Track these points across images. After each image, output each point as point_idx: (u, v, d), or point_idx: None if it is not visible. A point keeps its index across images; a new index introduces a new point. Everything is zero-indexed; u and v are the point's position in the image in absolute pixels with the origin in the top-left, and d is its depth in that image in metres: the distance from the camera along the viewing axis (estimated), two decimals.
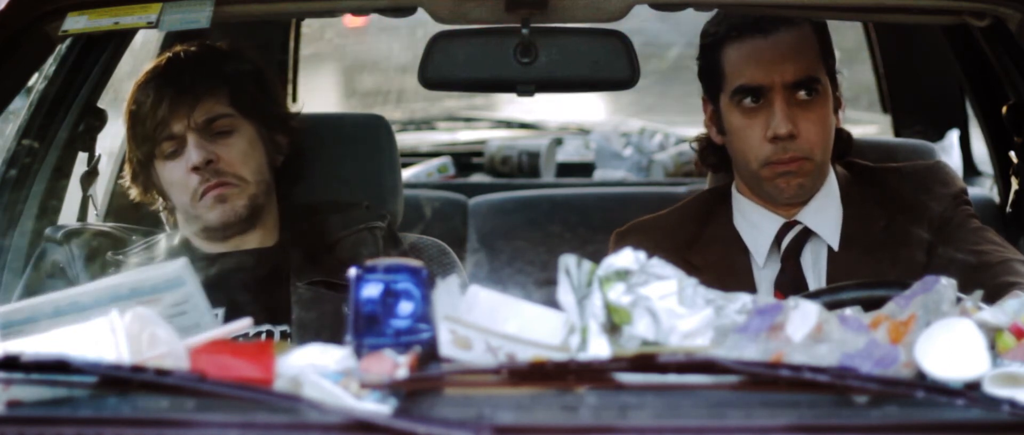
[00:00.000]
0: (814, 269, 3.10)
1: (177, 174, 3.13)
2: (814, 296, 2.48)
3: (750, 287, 3.08)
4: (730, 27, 3.11)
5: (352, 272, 2.10)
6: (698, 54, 3.20)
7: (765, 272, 3.12)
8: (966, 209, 3.16)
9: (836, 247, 3.10)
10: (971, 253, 3.04)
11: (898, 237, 3.11)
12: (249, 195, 3.14)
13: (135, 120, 3.15)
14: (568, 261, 2.09)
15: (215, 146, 3.12)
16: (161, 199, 3.23)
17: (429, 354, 2.05)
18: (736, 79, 3.07)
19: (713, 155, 3.21)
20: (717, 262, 3.09)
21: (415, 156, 5.59)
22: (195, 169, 3.10)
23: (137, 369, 1.97)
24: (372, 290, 2.08)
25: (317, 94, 6.30)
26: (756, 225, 3.13)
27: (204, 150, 3.10)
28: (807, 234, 3.12)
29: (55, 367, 1.96)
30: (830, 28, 3.24)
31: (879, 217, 3.13)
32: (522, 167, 5.51)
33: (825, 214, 3.13)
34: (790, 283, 3.07)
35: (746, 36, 3.08)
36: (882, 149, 3.66)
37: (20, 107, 3.47)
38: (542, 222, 4.30)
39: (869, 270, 3.03)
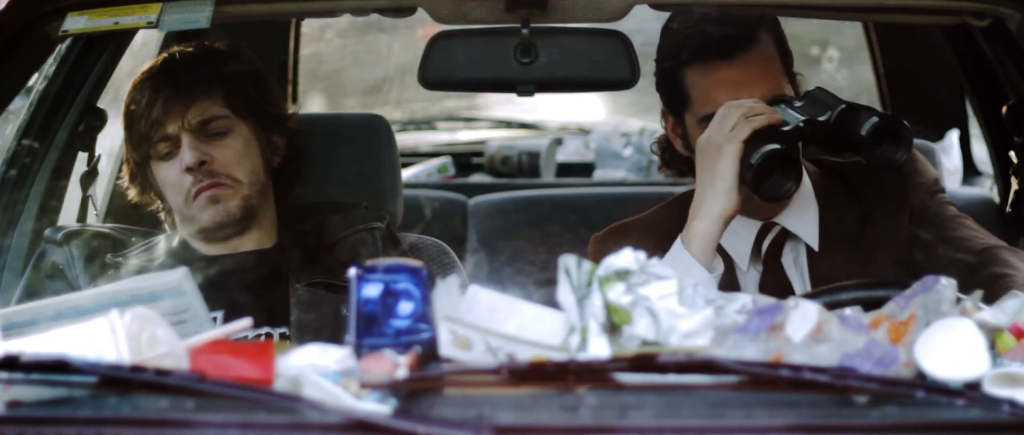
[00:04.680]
0: (796, 269, 3.10)
1: (172, 175, 3.13)
2: (814, 296, 2.48)
3: (733, 289, 3.07)
4: (692, 51, 3.08)
5: (352, 272, 2.10)
6: (657, 70, 3.17)
7: (748, 276, 3.11)
8: (942, 197, 3.16)
9: (816, 246, 3.10)
10: (952, 241, 3.04)
11: (876, 231, 3.11)
12: (243, 196, 3.14)
13: (131, 121, 3.16)
14: (568, 261, 2.09)
15: (209, 147, 3.12)
16: (158, 200, 3.23)
17: (429, 354, 2.05)
18: (705, 106, 3.03)
19: (679, 161, 3.18)
20: None
21: (415, 156, 5.59)
22: (189, 170, 3.10)
23: (137, 369, 1.97)
24: (372, 290, 2.08)
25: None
26: (734, 231, 3.11)
27: (198, 151, 3.10)
28: (785, 235, 3.12)
29: (55, 367, 1.96)
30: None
31: (855, 212, 3.13)
32: (522, 167, 5.51)
33: (802, 214, 3.12)
34: (774, 285, 3.07)
35: (709, 61, 3.05)
36: None
37: (20, 107, 3.47)
38: (542, 222, 4.30)
39: (851, 266, 3.03)
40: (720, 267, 2.95)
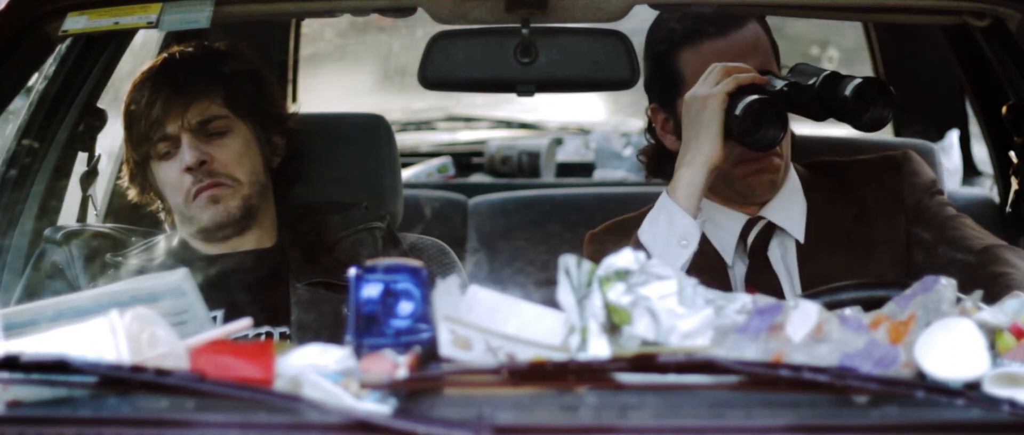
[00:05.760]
0: (783, 263, 3.10)
1: (171, 174, 3.13)
2: (814, 296, 2.48)
3: (726, 286, 3.08)
4: (684, 31, 3.11)
5: (352, 272, 2.10)
6: (647, 63, 3.19)
7: (735, 271, 3.12)
8: (940, 199, 3.17)
9: (801, 240, 3.10)
10: (952, 241, 3.04)
11: (870, 230, 3.11)
12: (243, 196, 3.14)
13: (131, 120, 3.16)
14: (568, 261, 2.09)
15: (209, 147, 3.12)
16: (158, 200, 3.23)
17: (429, 354, 2.05)
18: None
19: (670, 164, 3.18)
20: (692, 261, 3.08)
21: (415, 156, 5.59)
22: (189, 170, 3.10)
23: (137, 369, 1.97)
24: (372, 290, 2.08)
25: None
26: (720, 225, 3.12)
27: (198, 151, 3.10)
28: (772, 229, 3.12)
29: (55, 367, 1.96)
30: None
31: (848, 211, 3.14)
32: (522, 167, 5.51)
33: (788, 208, 3.13)
34: (760, 279, 3.08)
35: (703, 39, 3.09)
36: (880, 148, 3.66)
37: (20, 107, 3.47)
38: (542, 222, 4.29)
39: (840, 263, 3.04)
40: (704, 216, 2.97)
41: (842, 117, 2.97)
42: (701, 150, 2.93)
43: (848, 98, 2.92)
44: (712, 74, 2.95)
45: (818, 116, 3.01)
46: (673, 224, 2.92)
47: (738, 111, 2.91)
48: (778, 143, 2.98)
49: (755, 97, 2.91)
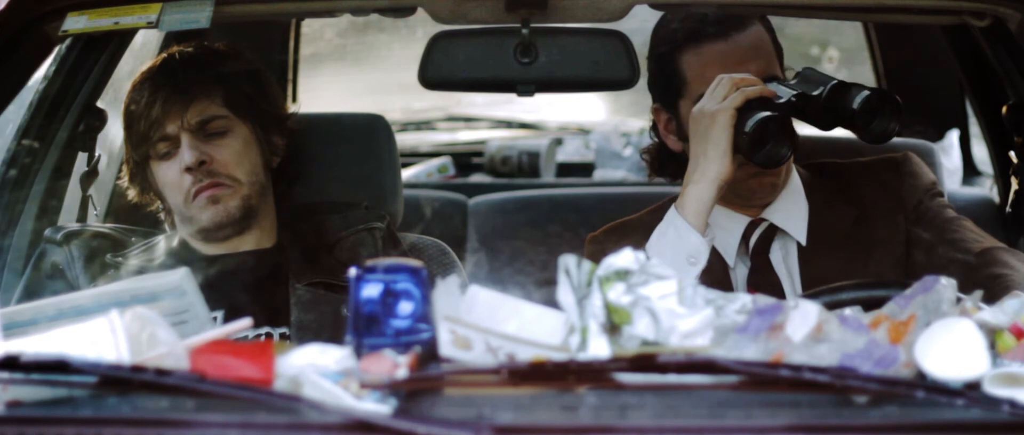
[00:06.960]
0: (785, 266, 3.10)
1: (171, 175, 3.13)
2: (814, 296, 2.48)
3: (727, 288, 3.07)
4: (687, 33, 3.10)
5: (352, 272, 2.10)
6: (650, 63, 3.18)
7: (737, 272, 3.12)
8: (940, 201, 3.17)
9: (803, 242, 3.10)
10: (951, 243, 3.04)
11: (870, 232, 3.11)
12: (242, 196, 3.14)
13: (131, 120, 3.16)
14: (568, 261, 2.09)
15: (209, 147, 3.12)
16: (158, 200, 3.23)
17: (429, 354, 2.05)
18: (700, 85, 3.03)
19: (672, 163, 3.18)
20: None
21: (415, 156, 5.59)
22: (188, 170, 3.10)
23: (137, 369, 1.97)
24: (372, 290, 2.08)
25: None
26: (723, 226, 3.12)
27: (197, 151, 3.10)
28: (773, 231, 3.12)
29: (55, 367, 1.96)
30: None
31: (848, 213, 3.14)
32: (522, 167, 5.51)
33: (790, 210, 3.13)
34: (762, 281, 3.07)
35: (705, 41, 3.08)
36: (881, 150, 3.66)
37: (20, 107, 3.47)
38: (542, 222, 4.30)
39: (842, 264, 3.04)
40: (713, 233, 2.96)
41: (849, 127, 2.96)
42: (710, 167, 2.92)
43: (856, 110, 2.92)
44: (719, 87, 2.93)
45: (825, 125, 3.00)
46: (681, 241, 2.92)
47: (747, 128, 2.90)
48: (786, 161, 2.97)
49: (765, 114, 2.90)
